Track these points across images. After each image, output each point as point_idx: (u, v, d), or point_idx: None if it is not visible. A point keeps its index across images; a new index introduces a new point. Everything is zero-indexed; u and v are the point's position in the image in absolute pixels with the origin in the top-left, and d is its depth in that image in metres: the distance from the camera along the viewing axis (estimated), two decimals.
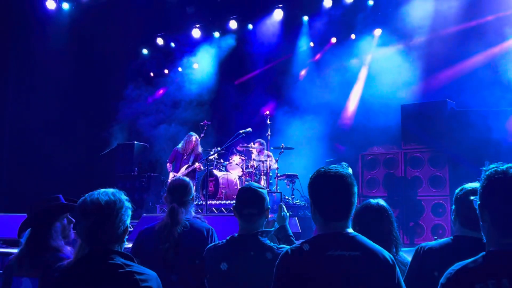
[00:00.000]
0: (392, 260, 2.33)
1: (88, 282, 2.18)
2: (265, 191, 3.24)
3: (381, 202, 3.32)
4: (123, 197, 2.36)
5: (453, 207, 2.84)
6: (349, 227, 2.42)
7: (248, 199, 3.18)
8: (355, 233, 2.40)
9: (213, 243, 3.32)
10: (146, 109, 14.13)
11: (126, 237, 2.38)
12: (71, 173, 11.69)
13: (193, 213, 3.78)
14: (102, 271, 2.20)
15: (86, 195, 2.33)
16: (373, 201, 3.32)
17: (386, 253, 2.35)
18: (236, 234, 3.18)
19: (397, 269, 2.33)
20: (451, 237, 2.78)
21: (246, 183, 10.18)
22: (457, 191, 2.81)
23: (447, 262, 2.07)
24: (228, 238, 3.19)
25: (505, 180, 1.91)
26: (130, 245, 3.68)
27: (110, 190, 2.35)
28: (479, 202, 2.00)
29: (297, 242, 2.48)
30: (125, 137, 13.75)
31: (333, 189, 2.39)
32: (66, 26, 13.00)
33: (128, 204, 2.36)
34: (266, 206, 3.19)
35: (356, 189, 2.43)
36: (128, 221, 2.36)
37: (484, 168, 2.01)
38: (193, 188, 3.93)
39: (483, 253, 1.95)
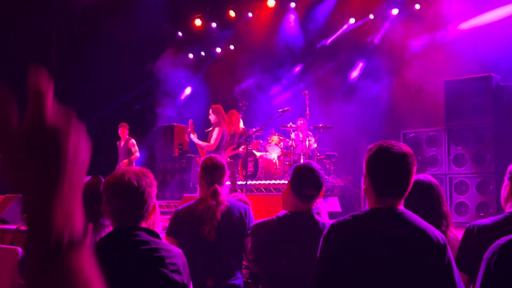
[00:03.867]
0: (444, 239, 2.27)
1: (113, 259, 2.17)
2: (323, 172, 3.20)
3: (430, 177, 3.23)
4: (150, 175, 2.35)
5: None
6: (401, 204, 2.37)
7: (310, 179, 3.10)
8: (407, 211, 2.34)
9: (261, 220, 3.27)
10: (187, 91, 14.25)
11: None
12: (110, 154, 11.80)
13: None
14: (127, 248, 2.20)
15: (112, 174, 2.33)
16: (422, 176, 3.23)
17: (438, 232, 2.30)
18: (288, 212, 3.13)
19: (448, 249, 2.27)
20: (504, 215, 2.70)
21: (293, 162, 10.20)
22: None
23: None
24: (280, 215, 3.15)
25: None
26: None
27: (138, 168, 2.35)
28: None
29: (347, 215, 2.43)
30: (165, 119, 13.86)
31: (394, 166, 2.33)
32: (99, 11, 13.10)
33: (155, 182, 2.35)
34: (323, 187, 3.16)
35: (415, 169, 2.37)
36: (155, 199, 2.36)
37: None
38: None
39: None
